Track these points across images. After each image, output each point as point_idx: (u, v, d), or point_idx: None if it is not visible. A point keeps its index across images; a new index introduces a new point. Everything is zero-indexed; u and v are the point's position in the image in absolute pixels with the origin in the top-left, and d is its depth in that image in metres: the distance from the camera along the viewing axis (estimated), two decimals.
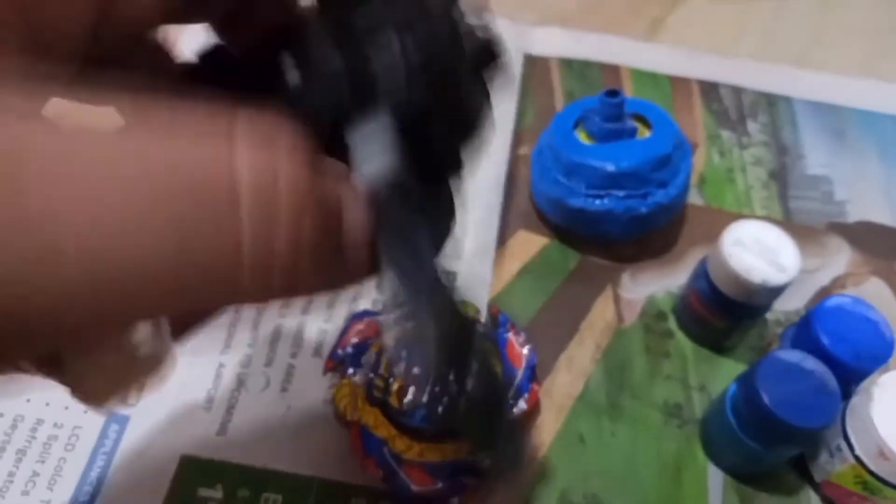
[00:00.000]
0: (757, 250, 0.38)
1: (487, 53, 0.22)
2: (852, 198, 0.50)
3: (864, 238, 0.48)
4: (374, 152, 0.19)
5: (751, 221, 0.39)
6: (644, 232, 0.45)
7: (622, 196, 0.43)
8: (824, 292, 0.46)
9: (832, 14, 0.62)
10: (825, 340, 0.37)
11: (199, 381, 0.40)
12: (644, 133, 0.45)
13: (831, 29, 0.61)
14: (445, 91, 0.20)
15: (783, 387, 0.34)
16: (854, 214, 0.49)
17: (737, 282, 0.38)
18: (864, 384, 0.36)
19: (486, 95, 0.22)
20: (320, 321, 0.42)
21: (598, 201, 0.43)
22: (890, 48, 0.60)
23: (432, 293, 0.20)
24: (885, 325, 0.38)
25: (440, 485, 0.36)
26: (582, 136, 0.45)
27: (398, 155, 0.19)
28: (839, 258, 0.47)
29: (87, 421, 0.39)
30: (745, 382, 0.36)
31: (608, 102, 0.43)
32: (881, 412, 0.34)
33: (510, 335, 0.40)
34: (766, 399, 0.34)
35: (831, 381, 0.35)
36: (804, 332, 0.38)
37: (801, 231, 0.48)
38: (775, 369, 0.35)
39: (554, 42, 0.57)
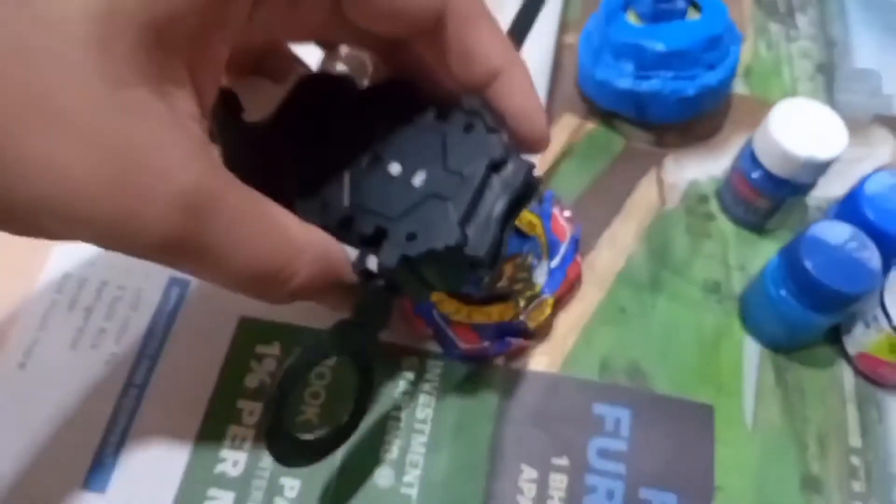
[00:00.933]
0: (804, 127, 0.39)
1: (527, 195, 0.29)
2: None
3: None
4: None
5: (799, 99, 0.40)
6: (690, 116, 0.45)
7: (670, 77, 0.43)
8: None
9: None
10: (869, 213, 0.37)
11: None
12: (694, 15, 0.45)
13: None
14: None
15: (826, 255, 0.35)
16: None
17: (783, 157, 0.38)
18: None
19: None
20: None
21: (645, 83, 0.43)
22: None
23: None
24: None
25: (486, 343, 0.38)
26: (631, 18, 0.45)
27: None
28: (883, 149, 0.47)
29: (149, 284, 0.41)
30: (789, 251, 0.37)
31: None
32: None
33: (555, 210, 0.41)
34: (809, 265, 0.35)
35: (873, 251, 0.35)
36: (849, 206, 0.39)
37: (847, 122, 0.48)
38: (819, 238, 0.36)
39: None
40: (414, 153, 0.29)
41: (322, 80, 0.32)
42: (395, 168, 0.29)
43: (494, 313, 0.38)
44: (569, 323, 0.40)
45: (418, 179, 0.28)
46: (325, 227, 0.27)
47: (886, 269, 0.37)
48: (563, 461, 0.36)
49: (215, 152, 0.25)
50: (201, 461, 0.36)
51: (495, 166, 0.28)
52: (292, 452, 0.30)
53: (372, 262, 0.28)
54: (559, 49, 0.50)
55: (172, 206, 0.20)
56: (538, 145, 0.29)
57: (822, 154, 0.38)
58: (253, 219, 0.23)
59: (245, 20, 0.24)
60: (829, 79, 0.50)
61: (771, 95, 0.49)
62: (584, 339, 0.40)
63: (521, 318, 0.38)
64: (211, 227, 0.22)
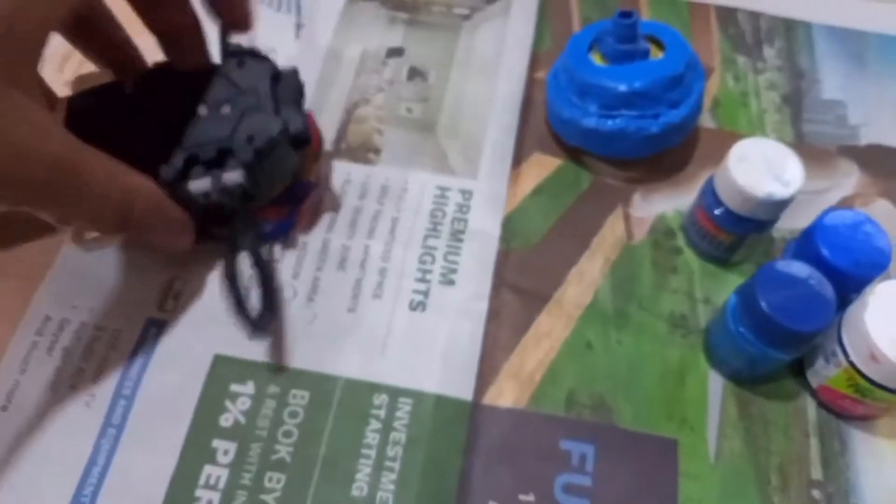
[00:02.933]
0: (762, 165, 0.40)
1: (301, 139, 0.40)
2: (866, 121, 0.51)
3: (874, 160, 0.49)
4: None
5: (757, 139, 0.41)
6: (655, 152, 0.46)
7: (634, 116, 0.44)
8: (831, 211, 0.47)
9: None
10: (824, 251, 0.38)
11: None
12: (657, 54, 0.46)
13: None
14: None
15: (781, 293, 0.36)
16: (867, 138, 0.50)
17: (742, 196, 0.39)
18: (862, 293, 0.38)
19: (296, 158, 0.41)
20: (343, 238, 0.45)
21: (610, 121, 0.44)
22: None
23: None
24: (883, 235, 0.39)
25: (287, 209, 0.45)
26: (596, 58, 0.46)
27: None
28: (848, 180, 0.48)
29: (127, 325, 0.42)
30: (745, 289, 0.38)
31: (621, 23, 0.44)
32: (875, 318, 0.36)
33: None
34: (763, 304, 0.36)
35: (827, 289, 0.36)
36: (805, 243, 0.40)
37: (812, 153, 0.49)
38: (774, 277, 0.37)
39: None
40: (214, 97, 0.40)
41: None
42: (203, 110, 0.40)
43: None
44: (536, 359, 0.41)
45: (226, 110, 0.39)
46: (183, 176, 0.38)
47: (844, 305, 0.38)
48: (529, 497, 0.37)
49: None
50: (176, 501, 0.37)
51: (275, 77, 0.41)
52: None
53: (232, 177, 0.38)
54: (530, 84, 0.51)
55: (43, 164, 0.30)
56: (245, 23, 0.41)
57: (779, 193, 0.39)
58: (102, 171, 0.33)
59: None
60: (795, 110, 0.51)
61: (738, 128, 0.50)
62: (550, 375, 0.41)
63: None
64: (75, 178, 0.32)
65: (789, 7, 0.56)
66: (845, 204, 0.47)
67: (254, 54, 0.42)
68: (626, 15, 0.44)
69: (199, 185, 0.38)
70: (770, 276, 0.37)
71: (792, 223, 0.46)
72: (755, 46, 0.54)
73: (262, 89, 0.40)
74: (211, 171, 0.38)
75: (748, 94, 0.52)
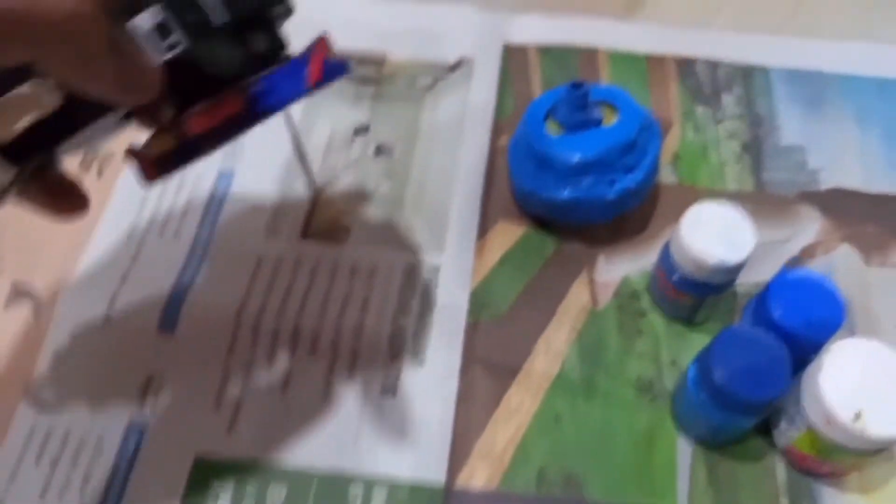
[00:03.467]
0: (714, 231, 0.40)
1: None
2: (826, 165, 0.51)
3: (835, 205, 0.50)
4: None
5: (709, 203, 0.41)
6: (616, 216, 0.47)
7: (590, 184, 0.45)
8: (793, 262, 0.47)
9: None
10: (777, 314, 0.39)
11: (207, 382, 0.44)
12: (612, 119, 0.47)
13: None
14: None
15: (736, 362, 0.37)
16: (826, 182, 0.51)
17: (695, 263, 0.40)
18: (818, 354, 0.38)
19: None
20: (314, 320, 0.46)
21: (567, 191, 0.45)
22: (873, 7, 0.60)
23: None
24: (835, 295, 0.40)
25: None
26: (552, 128, 0.47)
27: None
28: (809, 227, 0.49)
29: (109, 431, 0.43)
30: (703, 359, 0.38)
31: (573, 95, 0.45)
32: (829, 381, 0.36)
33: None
34: (718, 375, 0.37)
35: (783, 354, 0.37)
36: (760, 305, 0.41)
37: (772, 202, 0.50)
38: (729, 345, 0.37)
39: (533, 29, 0.59)
40: None
41: None
42: None
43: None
44: (506, 437, 0.42)
45: None
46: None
47: (803, 365, 0.39)
48: None
49: None
50: None
51: None
52: None
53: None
54: (493, 152, 0.52)
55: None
56: None
57: (731, 259, 0.40)
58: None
59: None
60: (755, 158, 0.52)
61: (699, 182, 0.51)
62: (521, 453, 0.42)
63: None
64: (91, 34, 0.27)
65: (747, 53, 0.57)
66: (808, 253, 0.48)
67: None
68: (577, 86, 0.45)
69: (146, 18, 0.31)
70: (725, 345, 0.37)
71: (755, 276, 0.47)
72: (714, 96, 0.55)
73: None
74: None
75: (708, 146, 0.52)
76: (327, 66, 0.36)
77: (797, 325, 0.39)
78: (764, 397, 0.36)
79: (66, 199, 0.35)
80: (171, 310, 0.46)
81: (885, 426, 0.35)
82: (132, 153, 0.34)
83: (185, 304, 0.46)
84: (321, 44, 0.36)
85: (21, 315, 0.47)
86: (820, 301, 0.40)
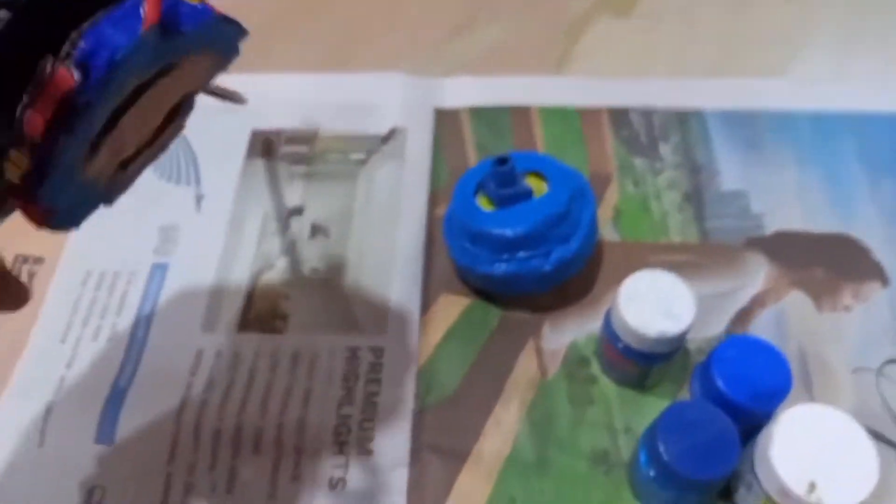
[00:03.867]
0: (652, 301, 0.39)
1: None
2: (770, 209, 0.51)
3: (782, 249, 0.49)
4: None
5: (645, 273, 0.41)
6: (556, 285, 0.46)
7: (525, 257, 0.44)
8: (744, 313, 0.47)
9: (741, 18, 0.62)
10: (722, 385, 0.38)
11: (148, 491, 0.42)
12: (542, 189, 0.46)
13: (742, 33, 0.61)
14: None
15: (682, 440, 0.36)
16: (771, 226, 0.50)
17: (636, 335, 0.39)
18: (768, 424, 0.37)
19: None
20: (256, 418, 0.44)
21: (503, 265, 0.44)
22: (802, 44, 0.60)
23: None
24: (780, 360, 0.38)
25: None
26: (483, 202, 0.46)
27: None
28: (758, 275, 0.48)
29: None
30: (649, 437, 0.37)
31: (498, 171, 0.44)
32: (780, 452, 0.35)
33: None
34: (665, 454, 0.35)
35: (729, 429, 0.36)
36: (705, 375, 0.39)
37: (719, 251, 0.49)
38: (674, 424, 0.36)
39: (464, 92, 0.58)
40: None
41: None
42: None
43: None
44: None
45: None
46: None
47: (752, 434, 0.38)
48: None
49: None
50: None
51: None
52: None
53: None
54: (431, 222, 0.51)
55: None
56: None
57: (671, 329, 0.39)
58: None
59: None
60: (697, 207, 0.51)
61: (641, 237, 0.50)
62: None
63: None
64: None
65: (681, 98, 0.57)
66: (758, 302, 0.47)
67: None
68: (501, 162, 0.44)
69: None
70: (670, 423, 0.36)
71: (706, 331, 0.46)
72: (650, 146, 0.54)
73: None
74: None
75: (648, 198, 0.52)
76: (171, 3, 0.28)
77: (743, 395, 0.37)
78: (713, 476, 0.35)
79: (4, 291, 0.32)
80: (109, 419, 0.45)
81: (840, 494, 0.34)
82: None
83: (122, 411, 0.45)
84: None
85: None
86: (765, 367, 0.38)
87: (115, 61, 0.26)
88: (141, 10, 0.26)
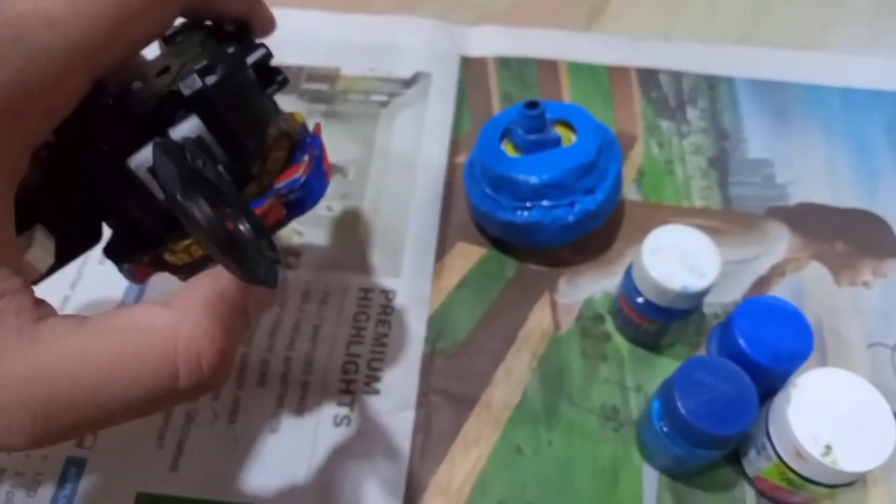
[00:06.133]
0: (676, 256, 0.39)
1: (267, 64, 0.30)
2: (794, 179, 0.50)
3: (804, 221, 0.48)
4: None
5: (672, 226, 0.40)
6: (576, 238, 0.45)
7: (549, 206, 0.43)
8: (762, 281, 0.46)
9: None
10: (743, 344, 0.37)
11: (150, 419, 0.42)
12: (570, 138, 0.45)
13: (777, 1, 0.60)
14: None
15: (700, 395, 0.35)
16: (795, 197, 0.49)
17: (658, 289, 0.38)
18: (785, 385, 0.36)
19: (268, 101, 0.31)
20: (262, 351, 0.44)
21: (525, 213, 0.43)
22: (837, 15, 0.59)
23: None
24: (802, 322, 0.38)
25: None
26: (508, 148, 0.45)
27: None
28: (778, 244, 0.47)
29: (46, 467, 0.41)
30: (665, 391, 0.36)
31: (528, 115, 0.43)
32: (797, 413, 0.35)
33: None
34: (681, 408, 0.35)
35: (748, 387, 0.35)
36: (725, 334, 0.39)
37: (740, 219, 0.48)
38: (692, 378, 0.36)
39: (491, 41, 0.57)
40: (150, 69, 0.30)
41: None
42: (137, 84, 0.28)
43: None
44: (464, 471, 0.40)
45: (165, 73, 0.28)
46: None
47: (767, 397, 0.37)
48: None
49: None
50: None
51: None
52: None
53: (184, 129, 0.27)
54: (451, 170, 0.50)
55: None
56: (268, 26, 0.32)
57: (695, 285, 0.38)
58: (95, 333, 0.23)
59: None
60: (721, 173, 0.50)
61: (664, 198, 0.49)
62: (479, 487, 0.40)
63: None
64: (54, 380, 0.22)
65: (711, 63, 0.55)
66: (777, 271, 0.46)
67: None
68: (531, 105, 0.43)
69: (142, 157, 0.27)
70: (688, 377, 0.36)
71: (723, 297, 0.45)
72: (678, 109, 0.53)
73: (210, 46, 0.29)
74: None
75: (673, 161, 0.51)
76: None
77: (764, 355, 0.37)
78: (729, 432, 0.35)
79: None
80: None
81: (855, 459, 0.34)
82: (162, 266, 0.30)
83: None
84: (318, 129, 0.34)
85: None
86: (787, 329, 0.38)
87: (310, 207, 0.32)
88: (325, 165, 0.33)
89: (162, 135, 0.27)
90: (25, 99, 0.23)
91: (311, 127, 0.34)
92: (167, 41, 0.31)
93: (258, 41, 0.30)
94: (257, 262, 0.25)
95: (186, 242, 0.29)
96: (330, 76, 0.55)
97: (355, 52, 0.56)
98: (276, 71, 0.30)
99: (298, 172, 0.31)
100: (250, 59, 0.29)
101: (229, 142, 0.28)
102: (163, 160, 0.23)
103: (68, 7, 0.23)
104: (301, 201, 0.31)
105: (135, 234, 0.30)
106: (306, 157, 0.31)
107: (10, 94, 0.22)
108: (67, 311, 0.45)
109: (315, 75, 0.55)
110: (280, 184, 0.31)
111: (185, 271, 0.31)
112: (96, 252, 0.32)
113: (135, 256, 0.30)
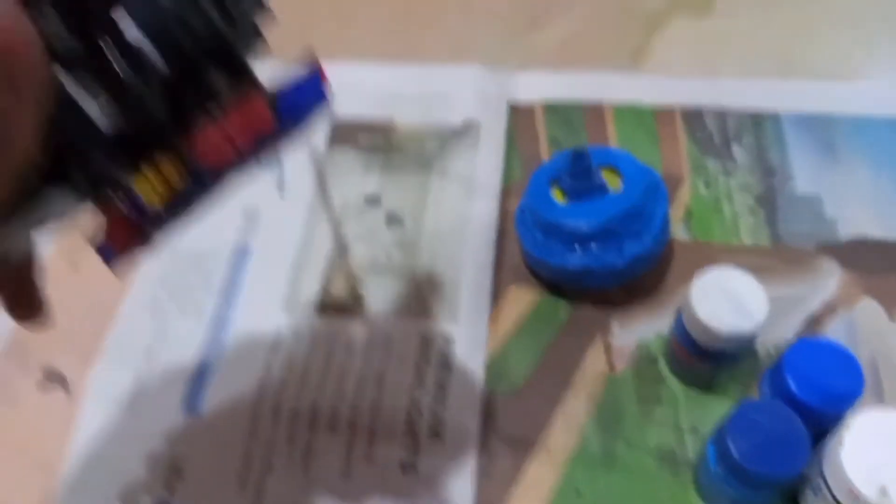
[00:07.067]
0: (724, 299, 0.40)
1: None
2: (843, 214, 0.50)
3: (855, 256, 0.49)
4: None
5: (717, 269, 0.41)
6: (627, 281, 0.46)
7: (598, 251, 0.45)
8: (814, 319, 0.47)
9: (817, 11, 0.61)
10: (793, 386, 0.38)
11: (229, 462, 0.45)
12: (616, 184, 0.46)
13: (818, 29, 0.60)
14: None
15: (752, 438, 0.36)
16: (845, 232, 0.50)
17: (707, 332, 0.40)
18: (838, 426, 0.37)
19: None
20: (332, 397, 0.46)
21: (576, 258, 0.45)
22: (881, 44, 0.59)
23: None
24: (853, 363, 0.39)
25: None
26: (557, 195, 0.47)
27: None
28: (830, 280, 0.48)
29: None
30: (719, 434, 0.38)
31: (575, 164, 0.45)
32: (851, 454, 0.35)
33: None
34: (735, 452, 0.36)
35: (799, 429, 0.36)
36: (776, 376, 0.40)
37: (790, 255, 0.49)
38: (744, 421, 0.37)
39: (537, 86, 0.59)
40: None
41: None
42: None
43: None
44: None
45: None
46: None
47: (821, 437, 0.38)
48: None
49: None
50: None
51: None
52: None
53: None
54: (502, 216, 0.52)
55: None
56: None
57: (744, 327, 0.39)
58: None
59: None
60: (770, 210, 0.51)
61: (713, 237, 0.50)
62: None
63: None
64: None
65: (755, 99, 0.56)
66: (829, 308, 0.47)
67: None
68: (578, 154, 0.45)
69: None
70: (740, 421, 0.37)
71: (775, 335, 0.46)
72: (724, 147, 0.54)
73: None
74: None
75: (720, 200, 0.52)
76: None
77: (814, 396, 0.38)
78: (783, 474, 0.36)
79: (22, 297, 0.30)
80: (195, 391, 0.47)
81: None
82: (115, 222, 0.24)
83: (207, 385, 0.47)
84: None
85: (55, 398, 0.48)
86: (837, 369, 0.39)
87: (300, 119, 0.27)
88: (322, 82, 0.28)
89: None
90: None
91: None
92: None
93: None
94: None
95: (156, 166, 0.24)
96: (384, 128, 0.58)
97: (407, 102, 0.59)
98: None
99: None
100: None
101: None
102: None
103: None
104: (291, 103, 0.27)
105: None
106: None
107: None
108: (152, 363, 0.48)
109: (370, 127, 0.58)
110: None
111: (160, 222, 0.25)
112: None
113: (98, 187, 0.24)
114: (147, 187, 0.24)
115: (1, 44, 0.19)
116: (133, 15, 0.22)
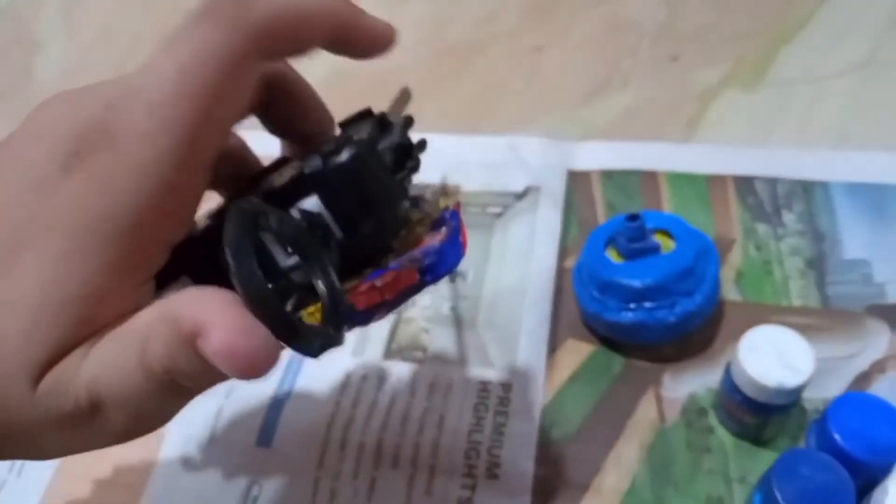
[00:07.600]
0: (772, 355, 0.42)
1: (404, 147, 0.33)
2: (891, 278, 0.52)
3: None
4: None
5: (766, 327, 0.43)
6: (679, 336, 0.49)
7: (651, 308, 0.47)
8: (863, 377, 0.48)
9: (870, 87, 0.64)
10: (838, 438, 0.40)
11: (300, 494, 0.48)
12: (669, 245, 0.49)
13: (870, 104, 0.63)
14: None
15: (797, 487, 0.38)
16: (893, 294, 0.51)
17: (755, 385, 0.42)
18: (884, 480, 0.39)
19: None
20: (395, 436, 0.49)
21: (630, 314, 0.48)
22: None
23: None
24: None
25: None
26: (613, 255, 0.50)
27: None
28: (879, 341, 0.50)
29: None
30: (764, 484, 0.39)
31: (629, 226, 0.48)
32: None
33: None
34: (781, 500, 0.38)
35: (844, 479, 0.38)
36: (822, 428, 0.41)
37: (839, 316, 0.51)
38: (789, 470, 0.38)
39: (595, 156, 0.63)
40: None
41: None
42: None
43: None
44: None
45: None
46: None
47: (869, 489, 0.39)
48: None
49: None
50: None
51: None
52: None
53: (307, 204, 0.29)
54: (560, 273, 0.56)
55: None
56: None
57: (791, 381, 0.41)
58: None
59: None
60: (819, 273, 0.53)
61: (763, 298, 0.53)
62: None
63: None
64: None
65: (806, 168, 0.59)
66: (877, 367, 0.48)
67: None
68: (632, 218, 0.48)
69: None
70: (786, 470, 0.39)
71: (824, 392, 0.47)
72: (774, 213, 0.57)
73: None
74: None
75: (771, 262, 0.54)
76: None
77: (859, 448, 0.39)
78: None
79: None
80: (269, 425, 0.51)
81: None
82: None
83: (280, 419, 0.51)
84: (457, 206, 0.35)
85: None
86: (882, 423, 0.40)
87: (443, 275, 0.32)
88: (461, 236, 0.33)
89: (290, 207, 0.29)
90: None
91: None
92: (343, 126, 0.33)
93: (418, 139, 0.34)
94: (307, 333, 0.25)
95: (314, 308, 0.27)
96: (452, 192, 0.62)
97: (473, 169, 0.64)
98: (409, 155, 0.33)
99: (434, 241, 0.32)
100: (382, 144, 0.31)
101: (345, 220, 0.29)
102: (230, 219, 0.24)
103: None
104: (434, 267, 0.31)
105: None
106: (444, 229, 0.33)
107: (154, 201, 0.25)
108: (232, 396, 0.53)
109: (441, 192, 0.62)
110: (416, 251, 0.31)
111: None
112: None
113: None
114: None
115: (249, 369, 0.24)
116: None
